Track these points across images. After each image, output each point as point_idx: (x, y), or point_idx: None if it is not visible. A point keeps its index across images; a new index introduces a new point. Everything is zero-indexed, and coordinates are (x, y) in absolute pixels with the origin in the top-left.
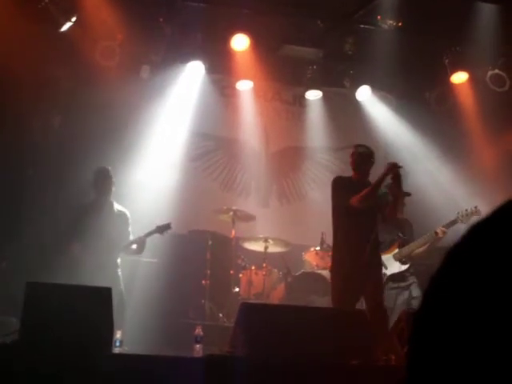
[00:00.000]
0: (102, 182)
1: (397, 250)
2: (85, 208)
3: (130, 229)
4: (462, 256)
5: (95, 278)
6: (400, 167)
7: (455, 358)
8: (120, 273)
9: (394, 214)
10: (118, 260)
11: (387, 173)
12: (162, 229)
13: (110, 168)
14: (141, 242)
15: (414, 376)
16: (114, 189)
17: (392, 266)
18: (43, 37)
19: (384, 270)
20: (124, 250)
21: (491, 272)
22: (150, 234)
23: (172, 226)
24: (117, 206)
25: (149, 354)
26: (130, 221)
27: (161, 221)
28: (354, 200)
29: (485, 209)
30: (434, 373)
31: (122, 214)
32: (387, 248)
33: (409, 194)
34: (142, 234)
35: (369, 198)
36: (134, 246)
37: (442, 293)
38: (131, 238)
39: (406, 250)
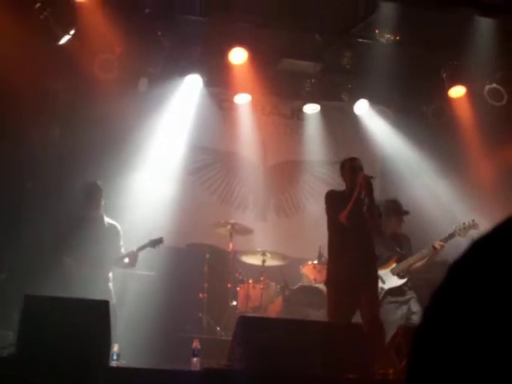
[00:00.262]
0: (93, 196)
1: (395, 265)
2: (74, 221)
3: (121, 242)
4: (464, 272)
5: (86, 292)
6: (371, 178)
7: (456, 374)
8: (112, 287)
9: (374, 227)
10: (110, 274)
11: (361, 186)
12: (154, 243)
13: (99, 182)
14: (133, 256)
15: None
16: (103, 203)
17: (390, 280)
18: (42, 50)
19: (382, 285)
20: (116, 263)
21: (493, 289)
22: (142, 247)
23: (166, 238)
24: (107, 220)
25: (146, 368)
26: (121, 233)
27: (158, 234)
28: (341, 217)
29: (482, 222)
30: None
31: (112, 227)
32: (385, 263)
33: (407, 213)
34: (135, 247)
35: (352, 214)
36: (127, 260)
37: (443, 309)
38: (123, 251)
39: (404, 264)
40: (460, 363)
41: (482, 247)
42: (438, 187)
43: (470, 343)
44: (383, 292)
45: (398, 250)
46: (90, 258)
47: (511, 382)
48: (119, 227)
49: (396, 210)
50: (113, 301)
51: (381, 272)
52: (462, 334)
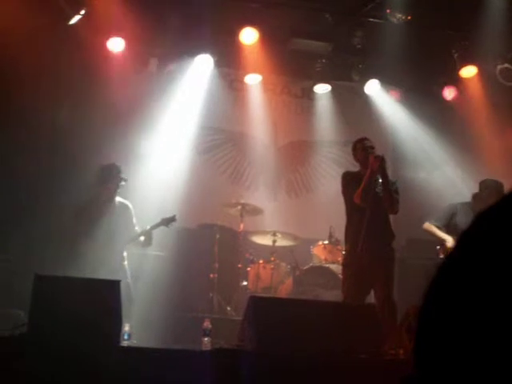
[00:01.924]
0: (113, 178)
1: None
2: (88, 202)
3: (134, 221)
4: (469, 245)
5: (100, 272)
6: (382, 157)
7: (464, 351)
8: (127, 266)
9: (393, 206)
10: (125, 253)
11: (373, 167)
12: (167, 221)
13: (119, 165)
14: (148, 235)
15: (421, 371)
16: (123, 183)
17: None
18: (52, 29)
19: None
20: (131, 242)
21: (499, 261)
22: (155, 226)
23: (177, 218)
24: (119, 199)
25: (158, 347)
26: (133, 212)
27: (170, 214)
28: (355, 197)
29: None
30: (441, 367)
31: (124, 207)
32: None
33: None
34: (148, 226)
35: (366, 194)
36: (142, 239)
37: (449, 282)
38: (137, 229)
39: None
40: (469, 337)
41: (487, 219)
42: (448, 166)
43: (478, 315)
44: None
45: None
46: (104, 238)
47: None
48: (131, 206)
49: (498, 192)
50: (128, 280)
51: None
52: (467, 310)
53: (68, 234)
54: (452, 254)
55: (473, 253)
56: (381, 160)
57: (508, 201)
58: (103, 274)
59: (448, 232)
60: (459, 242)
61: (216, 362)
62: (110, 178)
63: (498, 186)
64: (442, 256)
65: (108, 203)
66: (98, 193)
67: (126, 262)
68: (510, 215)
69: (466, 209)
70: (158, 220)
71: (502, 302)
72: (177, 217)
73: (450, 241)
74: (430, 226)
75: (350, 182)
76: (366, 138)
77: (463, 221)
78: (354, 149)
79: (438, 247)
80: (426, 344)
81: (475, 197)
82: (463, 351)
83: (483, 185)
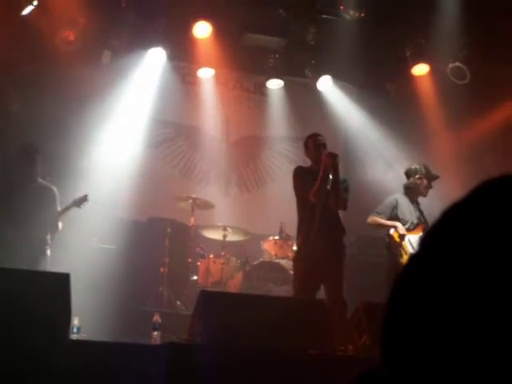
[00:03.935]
0: (29, 158)
1: (421, 234)
2: (9, 183)
3: (57, 205)
4: (436, 242)
5: (20, 254)
6: (335, 155)
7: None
8: (48, 251)
9: (340, 203)
10: (48, 237)
11: (325, 164)
12: (78, 201)
13: (35, 143)
14: (58, 218)
15: (390, 360)
16: (40, 165)
17: None
18: (4, 20)
19: (411, 249)
20: (53, 227)
21: (468, 257)
22: (67, 208)
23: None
24: (42, 182)
25: (108, 341)
26: (57, 197)
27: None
28: (311, 196)
29: (439, 201)
30: (409, 365)
31: (47, 189)
32: (413, 228)
33: (437, 177)
34: (59, 209)
35: (320, 191)
36: (60, 225)
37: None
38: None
39: None
40: (437, 335)
41: (456, 213)
42: (399, 164)
43: (446, 313)
44: None
45: (421, 218)
46: (23, 220)
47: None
48: (55, 189)
49: (426, 174)
50: (46, 267)
51: (409, 236)
52: (439, 303)
53: None
54: (419, 252)
55: (440, 249)
56: (334, 158)
57: (474, 197)
58: (24, 256)
59: None
60: (426, 238)
61: (167, 357)
62: (27, 158)
63: (421, 168)
64: (394, 242)
65: (30, 186)
66: (19, 174)
67: (48, 247)
68: (476, 210)
69: (403, 200)
70: (70, 201)
71: (471, 301)
72: (89, 196)
73: (398, 225)
74: (374, 219)
75: (302, 177)
76: (318, 134)
77: (403, 211)
78: (306, 145)
79: (387, 239)
80: (393, 342)
81: (407, 187)
82: (431, 348)
83: (410, 173)
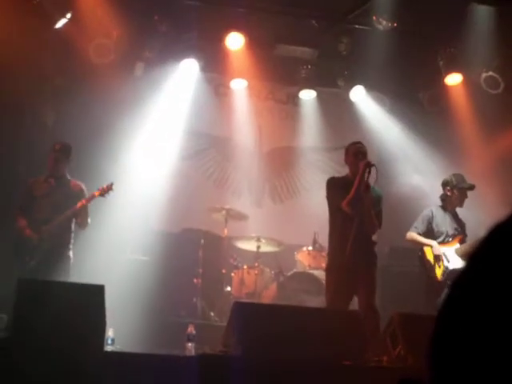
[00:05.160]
0: (58, 158)
1: (458, 245)
2: (37, 183)
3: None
4: (484, 258)
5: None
6: (373, 165)
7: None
8: (72, 254)
9: (369, 230)
10: (72, 234)
11: (363, 173)
12: (103, 191)
13: (68, 144)
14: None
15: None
16: (69, 163)
17: (454, 260)
18: (38, 33)
19: (446, 263)
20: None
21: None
22: (91, 198)
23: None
24: (70, 179)
25: (142, 353)
26: (85, 193)
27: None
28: (344, 205)
29: (476, 211)
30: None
31: (76, 187)
32: (449, 240)
33: (471, 187)
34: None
35: (354, 201)
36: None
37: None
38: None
39: (467, 247)
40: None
41: (501, 233)
42: (433, 174)
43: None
44: (448, 271)
45: (459, 229)
46: (51, 219)
47: None
48: (83, 187)
49: (457, 185)
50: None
51: (444, 249)
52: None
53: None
54: (469, 266)
55: (490, 264)
56: (370, 166)
57: None
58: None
59: (428, 237)
60: (474, 258)
61: (201, 368)
62: (57, 156)
63: (459, 179)
64: (426, 260)
65: (58, 183)
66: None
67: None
68: None
69: (439, 212)
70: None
71: None
72: (114, 185)
73: (434, 245)
74: (412, 235)
75: (335, 187)
76: (359, 142)
77: (438, 224)
78: (347, 151)
79: (419, 253)
80: (446, 357)
81: (444, 198)
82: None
83: (447, 184)
